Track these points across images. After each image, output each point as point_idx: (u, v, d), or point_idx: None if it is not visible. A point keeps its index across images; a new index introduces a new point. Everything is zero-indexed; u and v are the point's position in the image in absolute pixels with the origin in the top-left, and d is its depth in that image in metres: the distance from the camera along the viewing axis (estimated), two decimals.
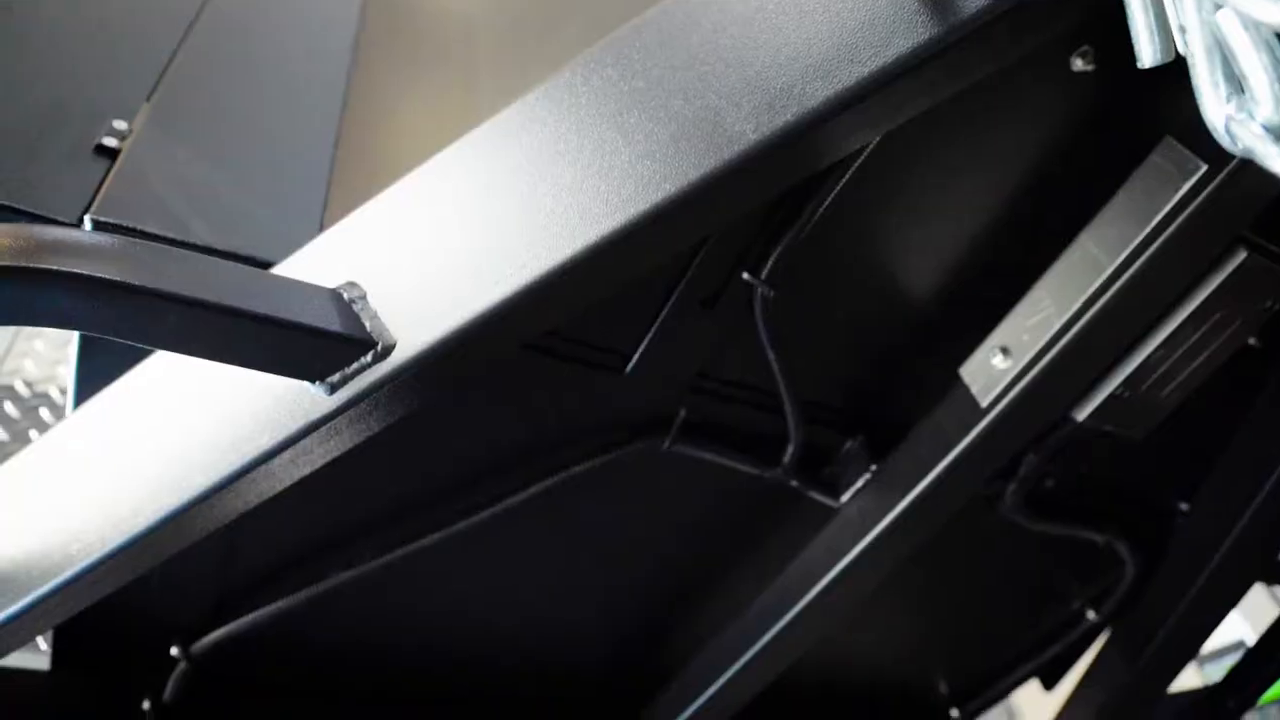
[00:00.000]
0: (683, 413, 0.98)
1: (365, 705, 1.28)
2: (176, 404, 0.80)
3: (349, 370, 0.68)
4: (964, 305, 0.97)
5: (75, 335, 1.58)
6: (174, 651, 1.11)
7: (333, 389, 0.69)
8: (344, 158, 0.95)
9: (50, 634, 1.16)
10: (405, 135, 1.02)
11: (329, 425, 0.70)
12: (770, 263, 0.85)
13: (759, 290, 0.87)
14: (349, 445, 0.72)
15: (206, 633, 1.10)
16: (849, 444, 1.07)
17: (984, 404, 0.92)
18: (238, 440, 0.72)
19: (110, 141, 0.88)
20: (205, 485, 0.73)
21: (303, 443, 0.70)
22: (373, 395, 0.68)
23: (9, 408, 1.42)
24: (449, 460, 1.00)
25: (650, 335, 0.91)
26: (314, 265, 0.73)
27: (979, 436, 0.93)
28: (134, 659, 1.15)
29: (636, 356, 0.92)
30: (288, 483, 0.74)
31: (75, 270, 0.59)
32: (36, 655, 1.17)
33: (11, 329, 1.57)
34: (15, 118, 0.88)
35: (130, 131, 0.89)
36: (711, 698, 1.15)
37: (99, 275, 0.60)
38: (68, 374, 1.51)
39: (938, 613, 1.52)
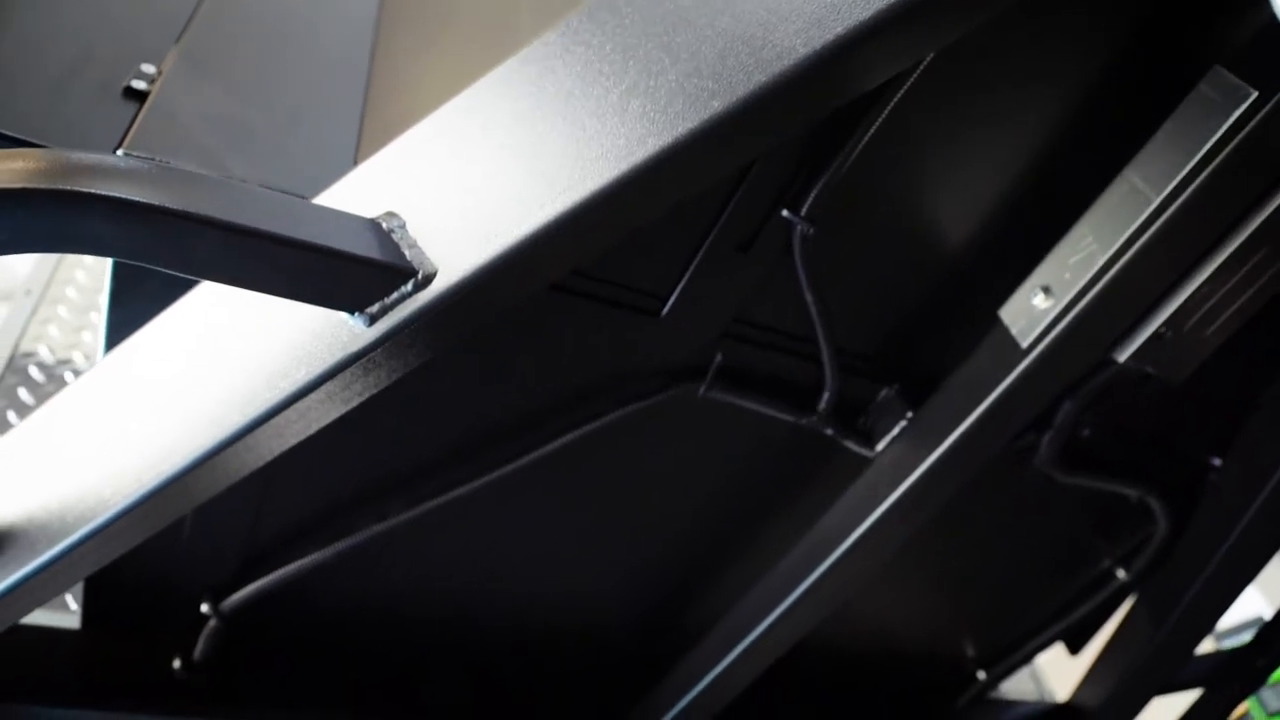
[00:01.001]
0: (719, 358, 0.97)
1: (392, 665, 1.28)
2: (210, 344, 0.79)
3: (389, 300, 0.67)
4: (1002, 247, 0.96)
5: (99, 299, 1.58)
6: (204, 609, 1.10)
7: (372, 320, 0.68)
8: (376, 94, 0.93)
9: (81, 593, 1.16)
10: (438, 69, 1.01)
11: (368, 358, 0.68)
12: (810, 198, 0.84)
13: (798, 228, 0.86)
14: (387, 381, 0.71)
15: (237, 589, 1.09)
16: (884, 392, 1.06)
17: (1025, 345, 0.91)
18: (274, 376, 0.71)
19: (139, 84, 0.87)
20: (241, 423, 0.72)
21: (341, 377, 0.69)
22: (413, 326, 0.67)
23: (34, 373, 1.42)
24: (480, 410, 0.99)
25: (686, 278, 0.89)
26: (350, 197, 0.72)
27: (1019, 379, 0.91)
28: (164, 617, 1.15)
29: (672, 300, 0.91)
30: (325, 420, 0.73)
31: (111, 194, 0.58)
32: (66, 615, 1.17)
33: (36, 293, 1.56)
34: (43, 64, 0.87)
35: (159, 74, 0.88)
36: (745, 651, 1.14)
37: (135, 199, 0.59)
38: (92, 340, 1.51)
39: (964, 574, 1.51)
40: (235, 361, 0.75)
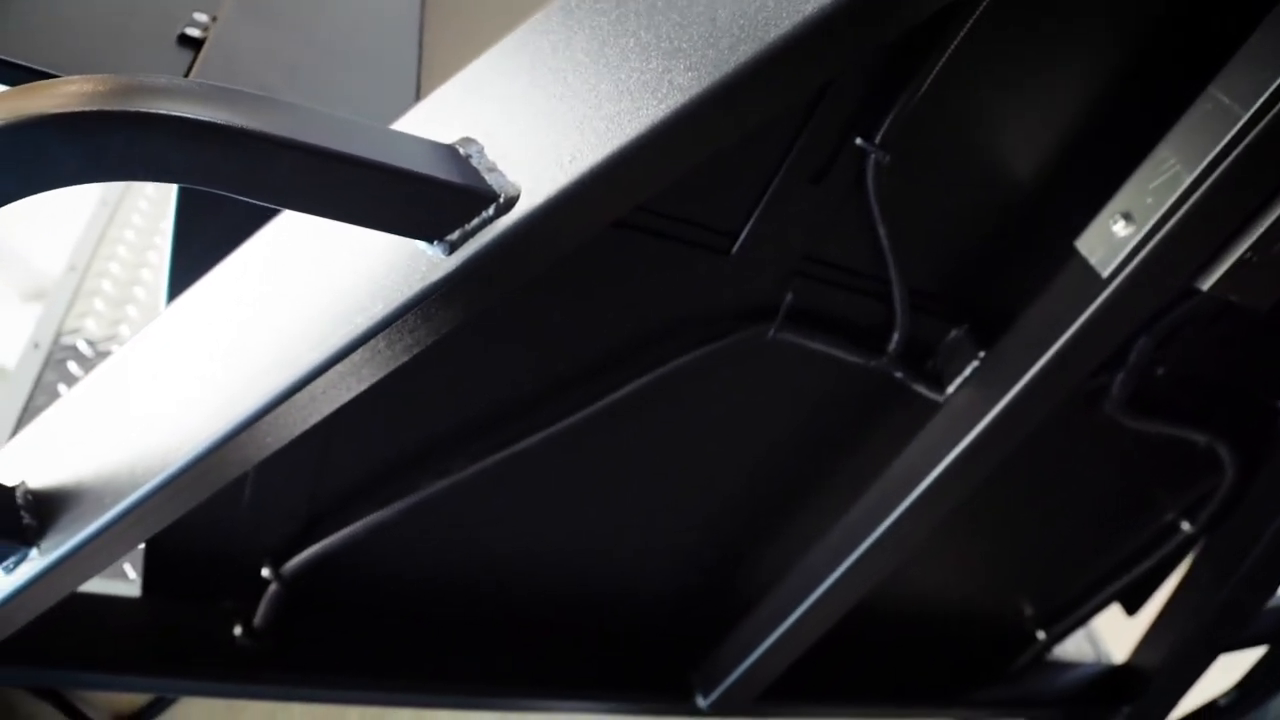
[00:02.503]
0: (789, 297, 0.95)
1: (448, 628, 1.26)
2: (277, 286, 0.77)
3: (469, 226, 0.65)
4: (1075, 176, 0.94)
5: (142, 274, 1.57)
6: (265, 573, 1.09)
7: (452, 248, 0.66)
8: (431, 30, 0.92)
9: (140, 562, 1.15)
10: (492, 2, 0.99)
11: (448, 289, 0.67)
12: (884, 126, 0.82)
13: (872, 157, 0.83)
14: (465, 315, 0.69)
15: (297, 552, 1.08)
16: (953, 333, 1.04)
17: (1105, 274, 0.88)
18: (349, 313, 0.70)
19: (193, 31, 0.85)
20: (316, 362, 0.70)
21: (420, 309, 0.67)
22: (495, 253, 0.65)
23: (72, 367, 1.41)
24: (545, 359, 0.97)
25: (757, 213, 0.87)
26: (421, 128, 0.70)
27: (1100, 310, 0.89)
28: (224, 584, 1.14)
29: (742, 237, 0.89)
30: (402, 358, 0.72)
31: (188, 115, 0.57)
32: (125, 584, 1.16)
33: (74, 283, 1.55)
34: (95, 14, 0.86)
35: (212, 20, 0.86)
36: (815, 604, 1.13)
37: (213, 120, 0.57)
38: (137, 315, 1.50)
39: (1023, 530, 1.48)
40: (305, 301, 0.73)
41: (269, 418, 0.73)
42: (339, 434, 1.00)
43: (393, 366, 0.73)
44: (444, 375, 0.97)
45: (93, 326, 1.45)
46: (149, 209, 1.70)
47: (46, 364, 1.37)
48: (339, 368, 0.71)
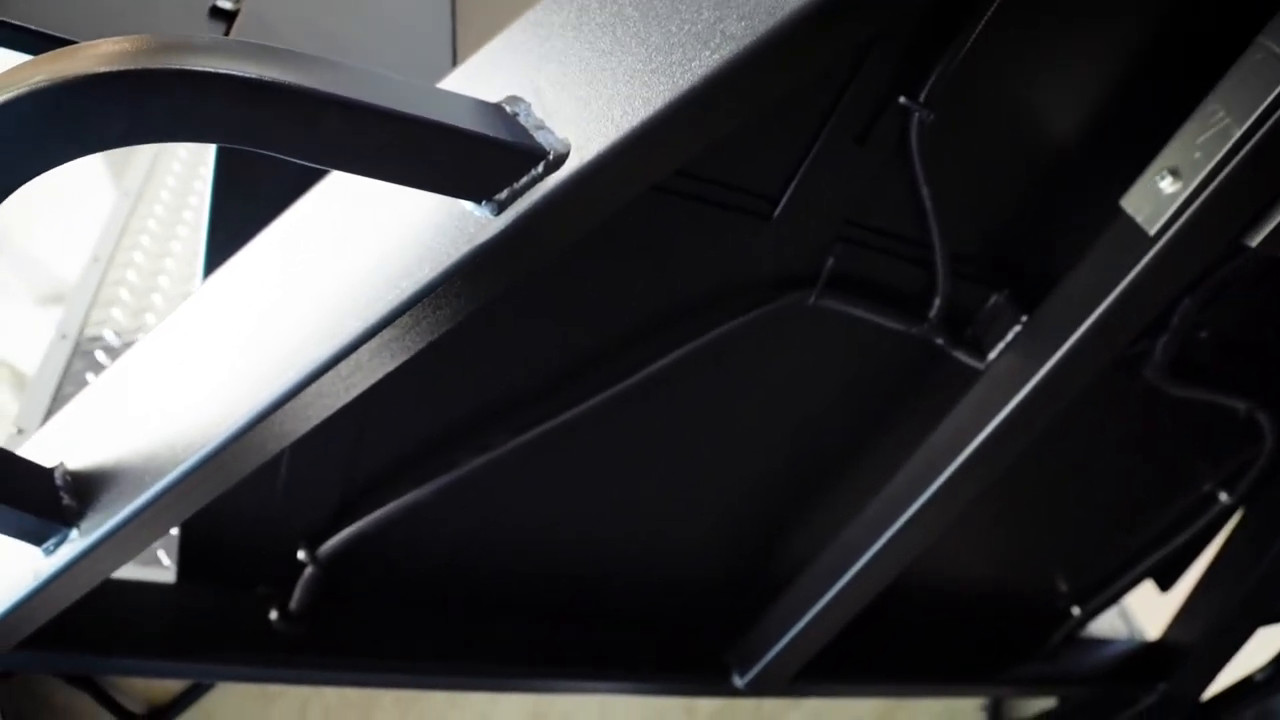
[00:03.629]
0: (830, 262, 0.94)
1: (484, 611, 1.25)
2: (319, 255, 0.76)
3: (518, 185, 0.64)
4: (1118, 135, 0.92)
5: (166, 263, 1.56)
6: (300, 556, 1.08)
7: (500, 208, 0.65)
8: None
9: (175, 548, 1.14)
10: None
11: (496, 250, 0.65)
12: (929, 84, 0.81)
13: (916, 115, 0.82)
14: (514, 276, 0.68)
15: (333, 534, 1.07)
16: (994, 299, 1.02)
17: (1152, 232, 0.87)
18: (394, 278, 0.69)
19: (225, 3, 0.85)
20: (359, 329, 0.69)
21: (468, 272, 0.66)
22: (543, 212, 0.64)
23: (100, 357, 1.40)
24: (583, 330, 0.96)
25: (799, 175, 0.86)
26: (467, 87, 0.69)
27: (1146, 269, 0.88)
28: (260, 569, 1.13)
29: (784, 200, 0.88)
30: (446, 325, 0.71)
31: (236, 73, 0.56)
32: (161, 571, 1.15)
33: (98, 274, 1.55)
34: None
35: None
36: (855, 578, 1.12)
37: (260, 77, 0.56)
38: (162, 304, 1.50)
39: (1058, 504, 1.47)
40: (348, 269, 0.72)
41: (312, 389, 0.72)
42: (375, 414, 0.99)
43: (437, 334, 0.72)
44: (482, 350, 0.96)
45: (119, 316, 1.45)
46: (170, 199, 1.70)
47: (74, 354, 1.36)
48: (384, 335, 0.69)
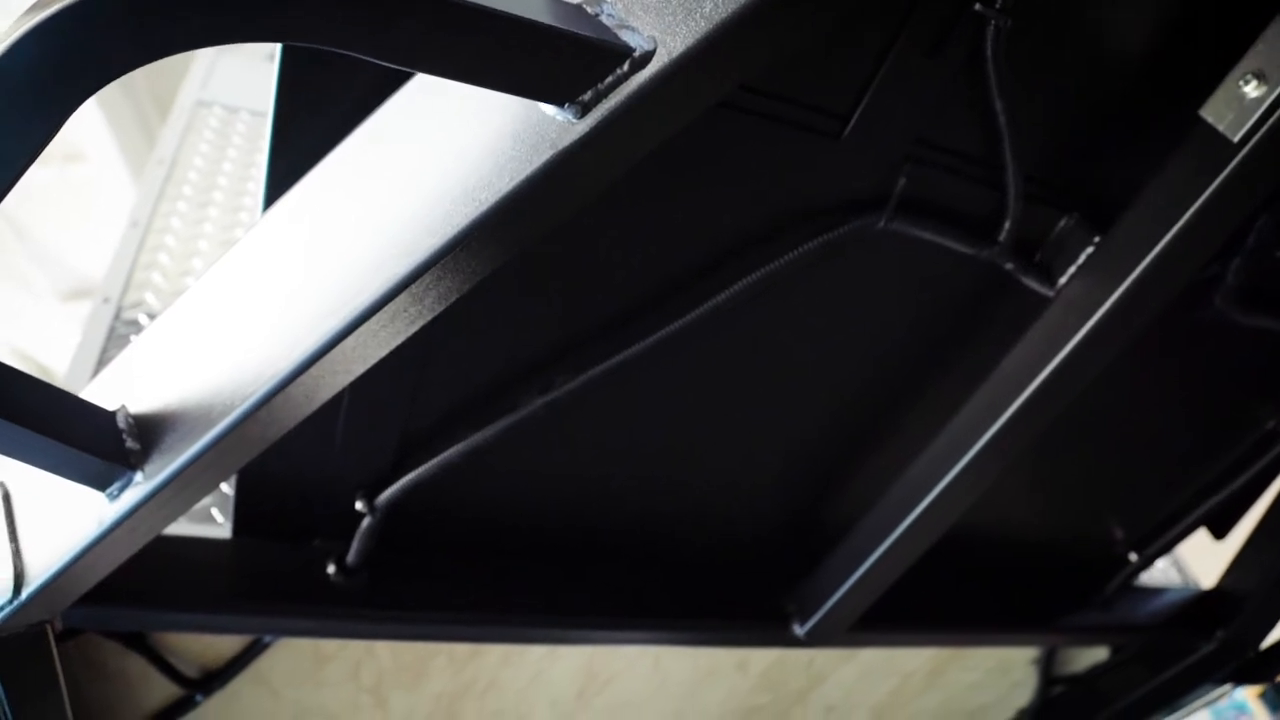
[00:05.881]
0: (902, 182, 0.91)
1: (543, 563, 1.24)
2: (389, 172, 0.75)
3: (602, 86, 0.62)
4: (1195, 44, 0.90)
5: (205, 228, 1.55)
6: (359, 506, 1.07)
7: (584, 110, 0.63)
8: None
9: (230, 505, 1.13)
10: None
11: (579, 156, 0.63)
12: None
13: (992, 23, 0.80)
14: (596, 184, 0.66)
15: (392, 482, 1.05)
16: (1063, 221, 1.00)
17: (1236, 139, 0.84)
18: (473, 190, 0.66)
19: None
20: (437, 245, 0.67)
21: (551, 179, 0.64)
22: (628, 114, 0.62)
23: (143, 320, 1.39)
24: (648, 263, 0.94)
25: (871, 90, 0.84)
26: None
27: (1230, 177, 0.85)
28: (316, 522, 1.12)
29: (855, 117, 0.85)
30: (527, 240, 0.68)
31: None
32: (215, 528, 1.14)
33: (137, 238, 1.53)
34: None
35: None
36: (924, 512, 1.09)
37: None
38: (202, 267, 1.48)
39: (1116, 450, 1.44)
40: (423, 184, 0.70)
41: (386, 310, 0.70)
42: (436, 357, 0.97)
43: (514, 251, 0.69)
44: (543, 286, 0.94)
45: (159, 280, 1.43)
46: (203, 165, 1.68)
47: (116, 317, 1.35)
48: (462, 251, 0.67)
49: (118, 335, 1.32)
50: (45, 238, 3.50)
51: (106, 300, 1.36)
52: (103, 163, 3.44)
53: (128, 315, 1.38)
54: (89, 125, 3.36)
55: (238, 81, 1.95)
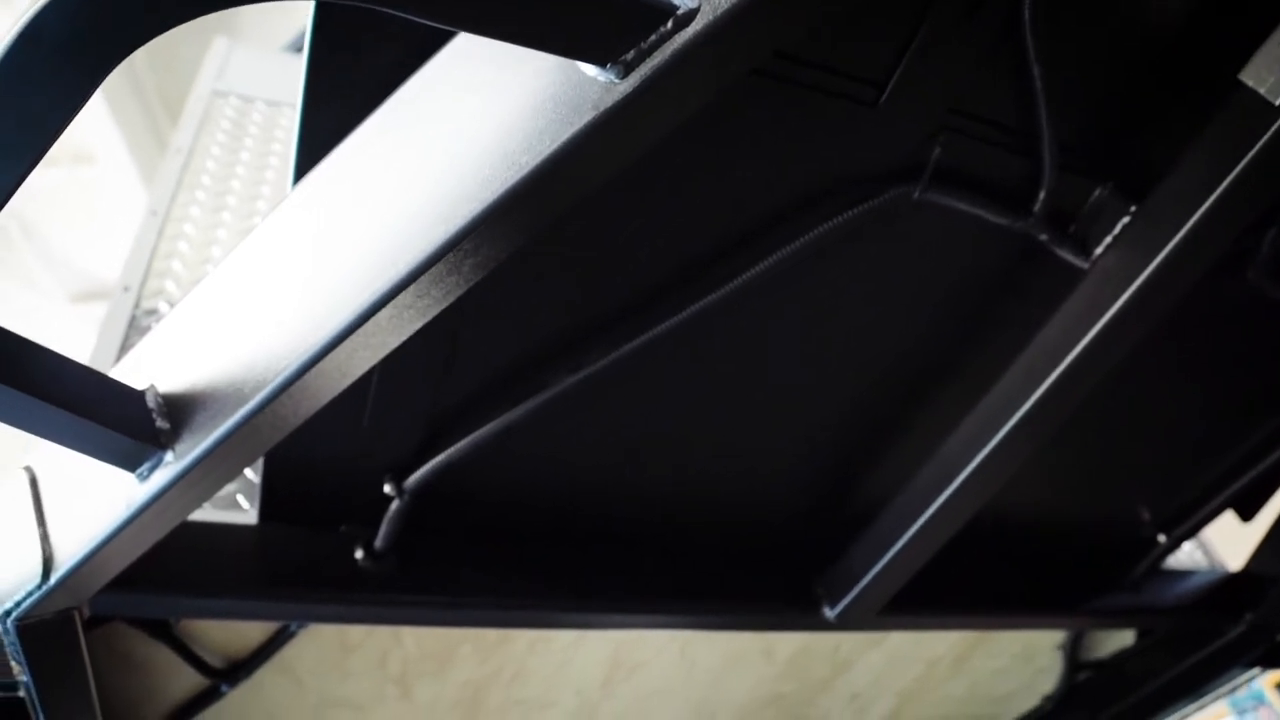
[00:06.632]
0: (937, 151, 0.90)
1: (572, 547, 1.23)
2: (427, 138, 0.73)
3: (645, 44, 0.61)
4: (1232, 9, 0.88)
5: (223, 216, 1.54)
6: (387, 489, 1.06)
7: (626, 70, 0.62)
8: None
9: (256, 491, 1.12)
10: None
11: (621, 116, 0.62)
12: None
13: None
14: (638, 146, 0.65)
15: (421, 464, 1.04)
16: (1098, 191, 0.99)
17: (1279, 101, 0.83)
18: (512, 154, 0.65)
19: None
20: (476, 211, 0.66)
21: (594, 140, 0.63)
22: (672, 73, 0.61)
23: (163, 308, 1.38)
24: (682, 235, 0.93)
25: (907, 56, 0.82)
26: None
27: (1272, 141, 0.84)
28: (343, 507, 1.11)
29: (891, 84, 0.84)
30: (569, 201, 0.67)
31: None
32: (241, 514, 1.13)
33: (156, 226, 1.52)
34: None
35: None
36: (959, 488, 1.08)
37: None
38: (221, 256, 1.47)
39: (1144, 429, 1.43)
40: (459, 151, 0.69)
41: (426, 277, 0.69)
42: (464, 336, 0.96)
43: (555, 214, 0.68)
44: (573, 260, 0.93)
45: (179, 268, 1.42)
46: (220, 154, 1.68)
47: (137, 305, 1.34)
48: (502, 216, 0.66)
49: (138, 323, 1.31)
50: (54, 237, 3.51)
51: (127, 289, 1.36)
52: (111, 164, 3.45)
53: (148, 304, 1.37)
54: (98, 126, 3.36)
55: (253, 72, 1.95)
